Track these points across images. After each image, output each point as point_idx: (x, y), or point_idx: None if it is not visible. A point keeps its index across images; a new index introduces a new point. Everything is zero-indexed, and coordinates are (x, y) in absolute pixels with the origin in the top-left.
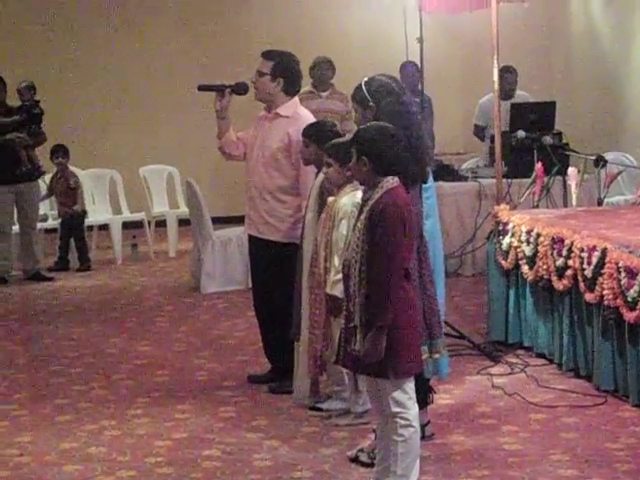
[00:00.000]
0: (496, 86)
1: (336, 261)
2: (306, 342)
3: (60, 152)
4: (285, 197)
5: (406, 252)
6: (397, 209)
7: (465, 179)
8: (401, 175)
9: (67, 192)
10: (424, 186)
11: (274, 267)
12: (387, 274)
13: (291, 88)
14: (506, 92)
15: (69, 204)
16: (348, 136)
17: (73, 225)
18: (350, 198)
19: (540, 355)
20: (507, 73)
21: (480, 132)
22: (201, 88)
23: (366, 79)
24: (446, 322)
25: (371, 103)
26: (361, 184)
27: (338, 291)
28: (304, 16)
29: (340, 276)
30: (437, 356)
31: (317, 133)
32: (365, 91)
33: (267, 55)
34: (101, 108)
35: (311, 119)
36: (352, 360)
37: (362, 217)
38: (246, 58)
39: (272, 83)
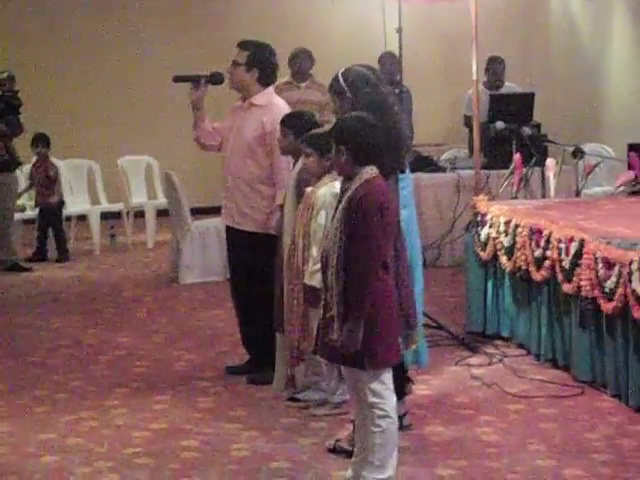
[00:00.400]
0: (474, 77)
1: (314, 251)
2: (285, 332)
3: (41, 141)
4: (261, 187)
5: (384, 243)
6: (375, 199)
7: (444, 170)
8: (379, 165)
9: (46, 182)
10: (400, 176)
11: (251, 258)
12: (365, 265)
13: (266, 78)
14: (493, 83)
15: (47, 194)
16: (327, 126)
17: (51, 215)
18: (328, 188)
19: (518, 346)
20: (495, 64)
21: (470, 123)
22: (176, 79)
23: (343, 70)
24: (424, 313)
25: (348, 94)
26: (339, 174)
27: (316, 281)
28: (283, 6)
29: (318, 266)
30: (414, 347)
31: (296, 123)
32: (342, 81)
33: (243, 45)
34: (80, 98)
35: (286, 108)
36: (330, 350)
37: (340, 207)
38: (225, 48)
39: (247, 73)
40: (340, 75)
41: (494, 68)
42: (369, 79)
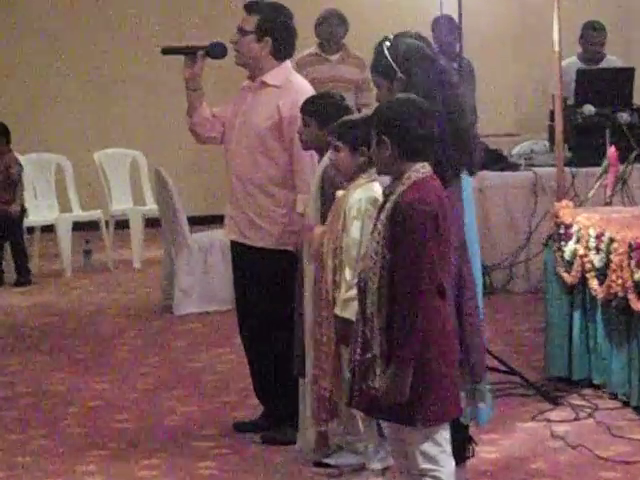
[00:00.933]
0: (556, 47)
1: (348, 274)
2: (311, 379)
3: None
4: (277, 191)
5: (439, 262)
6: (427, 206)
7: (517, 168)
8: (438, 164)
9: (4, 185)
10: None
11: (265, 282)
12: (414, 290)
13: (282, 50)
14: (590, 56)
15: (5, 200)
16: (365, 112)
17: (9, 226)
18: (365, 192)
19: (613, 396)
20: (591, 30)
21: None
22: (166, 51)
23: (388, 42)
24: (490, 352)
25: (399, 74)
26: (381, 173)
27: (350, 313)
28: None
29: (353, 293)
30: (483, 405)
31: (320, 108)
32: (390, 58)
33: (250, 8)
34: (44, 78)
35: (308, 89)
36: (369, 401)
37: (382, 216)
38: (229, 12)
39: (257, 44)
40: (386, 50)
41: (589, 36)
42: (425, 53)
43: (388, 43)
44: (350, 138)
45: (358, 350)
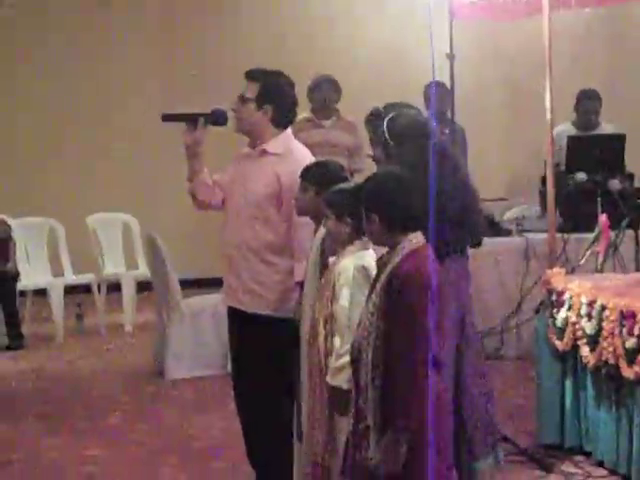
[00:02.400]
0: (548, 115)
1: (337, 342)
2: (305, 446)
3: None
4: (274, 258)
5: (435, 334)
6: (423, 277)
7: (508, 233)
8: (445, 244)
9: None
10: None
11: (261, 349)
12: (410, 362)
13: (282, 118)
14: (584, 123)
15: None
16: (354, 181)
17: (2, 289)
18: (354, 260)
19: (604, 464)
20: (586, 100)
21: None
22: (166, 118)
23: (388, 117)
24: None
25: (393, 147)
26: (375, 244)
27: (342, 381)
28: (301, 25)
29: (343, 361)
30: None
31: (319, 176)
32: (385, 129)
33: (251, 76)
34: (37, 141)
35: (308, 157)
36: (363, 472)
37: (377, 287)
38: (227, 81)
39: (258, 111)
40: (386, 120)
41: (584, 105)
42: (422, 130)
43: (388, 117)
44: (336, 207)
45: (351, 421)
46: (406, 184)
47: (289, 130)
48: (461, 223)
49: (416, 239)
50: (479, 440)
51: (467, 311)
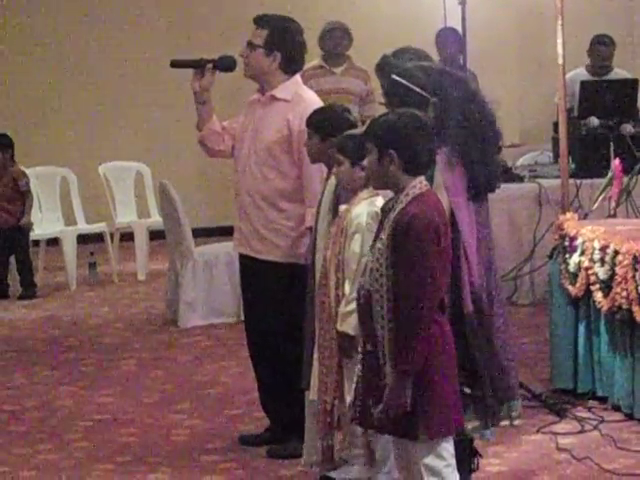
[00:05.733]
0: (560, 60)
1: (347, 288)
2: (315, 392)
3: (2, 144)
4: (286, 205)
5: (441, 277)
6: (429, 221)
7: (521, 179)
8: (474, 181)
9: (13, 197)
10: None
11: (273, 295)
12: (416, 305)
13: (291, 64)
14: (597, 69)
15: (13, 212)
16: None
17: (14, 239)
18: (367, 206)
19: (618, 408)
20: (599, 45)
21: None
22: (175, 64)
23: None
24: None
25: (433, 98)
26: (379, 187)
27: (349, 327)
28: None
29: (353, 307)
30: (518, 422)
31: (322, 121)
32: (414, 86)
33: (260, 22)
34: (49, 89)
35: (317, 103)
36: (372, 417)
37: (382, 233)
38: (236, 28)
39: (266, 58)
40: (406, 81)
41: (597, 50)
42: (449, 72)
43: (397, 77)
44: (350, 152)
45: (359, 366)
46: (426, 125)
47: (298, 76)
48: (490, 163)
49: (420, 184)
50: (515, 377)
51: (494, 255)
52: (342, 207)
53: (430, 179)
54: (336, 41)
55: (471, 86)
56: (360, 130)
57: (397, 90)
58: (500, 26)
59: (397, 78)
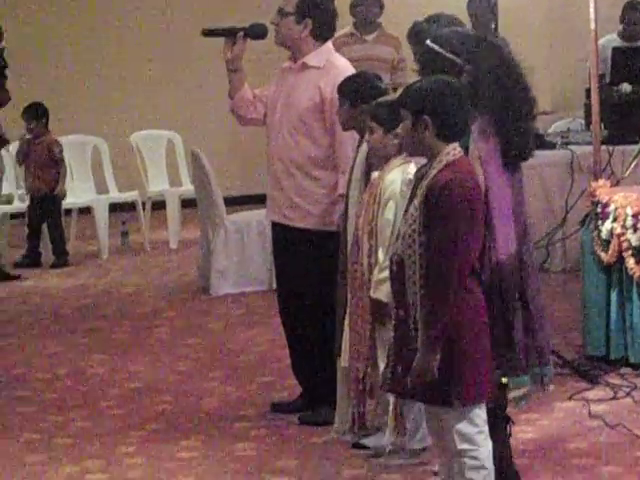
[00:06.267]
0: (592, 25)
1: (381, 255)
2: (347, 360)
3: (37, 112)
4: (318, 172)
5: (473, 243)
6: (462, 188)
7: (553, 146)
8: (508, 148)
9: (47, 165)
10: None
11: (305, 263)
12: (448, 271)
13: (322, 31)
14: (630, 34)
15: (46, 181)
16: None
17: (47, 208)
18: (399, 173)
19: None
20: (632, 11)
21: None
22: (206, 33)
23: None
24: None
25: (467, 66)
26: (413, 154)
27: (383, 294)
28: None
29: (386, 274)
30: (552, 387)
31: (353, 88)
32: (449, 53)
33: None
34: (81, 59)
35: (349, 70)
36: (404, 384)
37: (415, 200)
38: None
39: (298, 25)
40: (438, 48)
41: (630, 16)
42: (482, 38)
43: (432, 43)
44: (383, 119)
45: (392, 333)
46: (461, 91)
47: (329, 43)
48: (524, 132)
49: (454, 151)
50: (547, 345)
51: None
52: (375, 174)
53: (465, 148)
54: (367, 8)
55: (506, 53)
56: (392, 97)
57: (431, 56)
58: None
59: (432, 44)
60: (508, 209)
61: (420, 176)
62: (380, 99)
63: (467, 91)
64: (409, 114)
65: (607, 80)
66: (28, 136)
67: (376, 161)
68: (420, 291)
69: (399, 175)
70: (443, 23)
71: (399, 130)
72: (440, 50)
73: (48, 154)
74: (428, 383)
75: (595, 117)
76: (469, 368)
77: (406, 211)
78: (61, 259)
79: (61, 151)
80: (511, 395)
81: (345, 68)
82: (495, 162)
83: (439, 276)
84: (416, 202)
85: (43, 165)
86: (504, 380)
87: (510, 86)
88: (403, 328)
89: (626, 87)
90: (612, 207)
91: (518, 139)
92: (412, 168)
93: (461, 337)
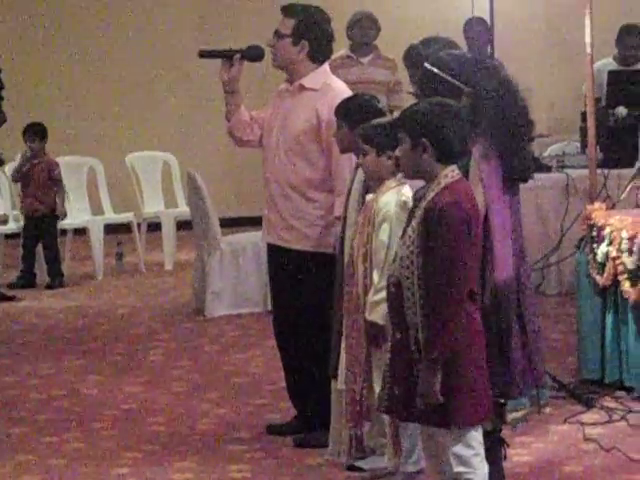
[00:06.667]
0: (588, 49)
1: (376, 277)
2: (343, 382)
3: (35, 132)
4: (314, 194)
5: (471, 265)
6: (460, 210)
7: (549, 169)
8: (510, 170)
9: (46, 185)
10: None
11: (301, 284)
12: (447, 294)
13: (319, 53)
14: (625, 58)
15: (44, 201)
16: (394, 115)
17: (43, 228)
18: (394, 195)
19: None
20: (627, 35)
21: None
22: (204, 54)
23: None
24: None
25: (466, 88)
26: (410, 177)
27: (378, 316)
28: None
29: (381, 296)
30: (547, 410)
31: (350, 111)
32: (448, 76)
33: (287, 11)
34: (77, 80)
35: (346, 92)
36: (401, 406)
37: (413, 222)
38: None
39: (294, 47)
40: (439, 71)
41: (625, 40)
42: (481, 60)
43: (430, 66)
44: (375, 141)
45: (388, 355)
46: (458, 113)
47: (326, 65)
48: (523, 154)
49: (452, 173)
50: (542, 367)
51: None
52: (369, 196)
53: (465, 171)
54: (364, 31)
55: (505, 75)
56: (385, 119)
57: (430, 78)
58: (527, 15)
59: (430, 67)
60: (508, 231)
61: (418, 198)
62: (372, 121)
63: (466, 113)
64: (407, 137)
65: (603, 104)
66: (28, 153)
67: (373, 183)
68: (420, 312)
69: (393, 197)
70: (439, 46)
71: (396, 152)
72: (439, 72)
73: (48, 175)
74: (432, 406)
75: (591, 140)
76: (466, 390)
77: (404, 233)
78: (56, 280)
79: (59, 172)
80: (510, 417)
81: (342, 90)
82: (496, 184)
83: (439, 298)
84: (414, 224)
85: (42, 185)
86: (501, 401)
87: (510, 108)
88: (400, 350)
89: (622, 110)
90: (607, 230)
91: (518, 160)
92: (406, 190)
93: (459, 359)
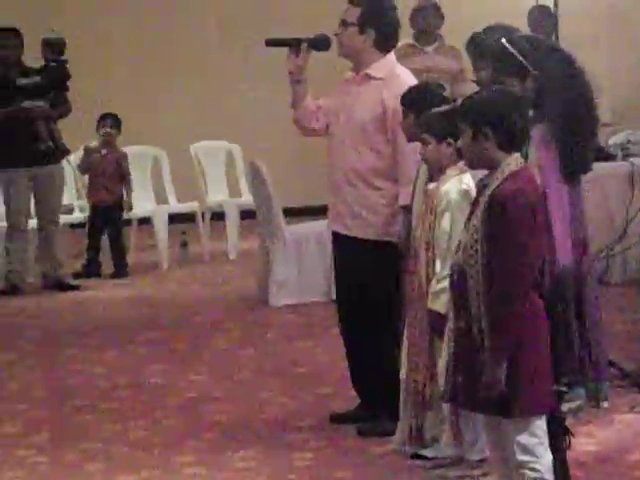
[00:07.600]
0: None
1: (438, 266)
2: (406, 372)
3: (109, 121)
4: (380, 182)
5: (536, 255)
6: (525, 198)
7: (613, 158)
8: (570, 161)
9: (113, 176)
10: None
11: (365, 272)
12: (512, 283)
13: (385, 42)
14: None
15: (112, 191)
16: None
17: (108, 218)
18: (455, 184)
19: None
20: None
21: None
22: (270, 43)
23: (506, 39)
24: None
25: (534, 71)
26: (474, 167)
27: (440, 305)
28: None
29: (443, 285)
30: (605, 404)
31: (417, 100)
32: (519, 55)
33: (353, 0)
34: (142, 70)
35: (412, 81)
36: (464, 395)
37: (478, 211)
38: (328, 6)
39: (360, 36)
40: (513, 47)
41: None
42: (550, 45)
43: (505, 39)
44: (436, 130)
45: (451, 344)
46: (520, 101)
47: (392, 54)
48: (586, 145)
49: (516, 161)
50: (604, 360)
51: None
52: (430, 185)
53: (525, 156)
54: (427, 20)
55: (576, 66)
56: (444, 108)
57: (501, 56)
58: (591, 1)
59: (505, 44)
60: (565, 219)
61: (482, 186)
62: (433, 110)
63: (528, 100)
64: (469, 126)
65: None
66: (95, 144)
67: (433, 172)
68: (484, 301)
69: (455, 185)
70: (502, 34)
71: (458, 143)
72: (512, 51)
73: (117, 166)
74: (497, 395)
75: None
76: (530, 379)
77: (468, 221)
78: (121, 270)
79: (128, 165)
80: (565, 407)
81: (408, 79)
82: (554, 171)
83: (504, 287)
84: (478, 212)
85: (111, 177)
86: (563, 389)
87: (574, 98)
88: (463, 339)
89: None
90: None
91: (578, 152)
92: (468, 178)
93: (523, 349)
